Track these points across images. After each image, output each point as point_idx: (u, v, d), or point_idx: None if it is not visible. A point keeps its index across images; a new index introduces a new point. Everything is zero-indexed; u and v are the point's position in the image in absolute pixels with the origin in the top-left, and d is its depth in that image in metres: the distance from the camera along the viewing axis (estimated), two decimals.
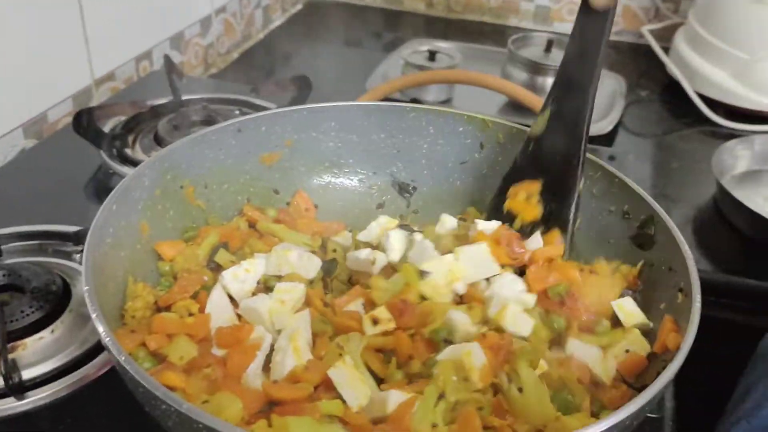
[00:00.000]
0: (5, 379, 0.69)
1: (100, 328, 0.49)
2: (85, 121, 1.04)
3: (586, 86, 0.67)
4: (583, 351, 0.62)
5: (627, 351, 0.61)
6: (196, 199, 0.78)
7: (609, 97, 1.44)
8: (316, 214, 0.85)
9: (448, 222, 0.78)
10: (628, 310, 0.66)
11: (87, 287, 0.53)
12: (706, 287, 1.04)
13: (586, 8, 0.66)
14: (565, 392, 0.57)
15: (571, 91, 0.68)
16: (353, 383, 0.57)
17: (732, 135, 1.27)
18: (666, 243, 0.64)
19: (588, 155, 0.73)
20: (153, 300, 0.63)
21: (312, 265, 0.73)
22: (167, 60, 1.21)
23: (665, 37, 1.59)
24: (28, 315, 0.78)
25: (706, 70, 1.43)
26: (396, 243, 0.73)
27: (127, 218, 0.66)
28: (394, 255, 0.73)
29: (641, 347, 0.62)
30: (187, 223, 0.77)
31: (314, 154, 0.84)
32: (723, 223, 1.11)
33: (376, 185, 0.88)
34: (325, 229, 0.82)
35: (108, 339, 0.49)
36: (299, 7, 1.94)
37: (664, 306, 0.62)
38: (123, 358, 0.47)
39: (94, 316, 0.50)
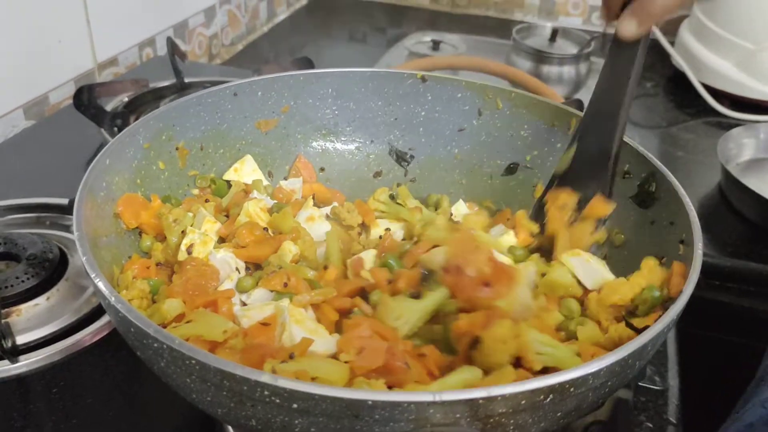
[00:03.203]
0: None
1: (90, 270, 0.48)
2: (86, 98, 1.03)
3: (616, 114, 0.66)
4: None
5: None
6: (191, 162, 0.77)
7: None
8: (317, 178, 0.85)
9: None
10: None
11: (78, 233, 0.52)
12: (713, 271, 1.04)
13: (617, 41, 0.65)
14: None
15: (600, 123, 0.68)
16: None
17: (736, 125, 1.25)
18: (667, 198, 0.63)
19: None
20: (148, 289, 0.61)
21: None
22: (170, 42, 1.20)
23: (671, 30, 1.58)
24: (23, 282, 0.77)
25: (711, 60, 1.42)
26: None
27: (120, 175, 0.65)
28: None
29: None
30: (181, 188, 0.76)
31: (311, 122, 0.82)
32: (728, 209, 1.10)
33: (374, 153, 0.86)
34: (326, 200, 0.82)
35: (97, 279, 0.48)
36: (304, 1, 1.95)
37: (666, 260, 0.61)
38: (113, 298, 0.46)
39: (84, 259, 0.49)
